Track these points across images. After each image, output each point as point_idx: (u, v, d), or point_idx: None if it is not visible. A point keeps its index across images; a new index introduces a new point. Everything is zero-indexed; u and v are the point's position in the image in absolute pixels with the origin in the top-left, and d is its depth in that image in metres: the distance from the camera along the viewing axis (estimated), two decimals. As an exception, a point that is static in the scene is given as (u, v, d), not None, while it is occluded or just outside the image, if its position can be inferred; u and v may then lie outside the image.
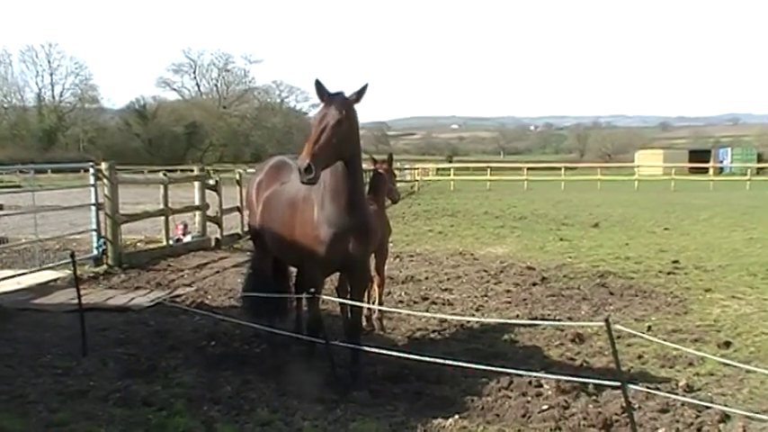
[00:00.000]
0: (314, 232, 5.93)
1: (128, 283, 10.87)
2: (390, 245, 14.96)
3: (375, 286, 8.24)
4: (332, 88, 5.81)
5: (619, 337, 6.91)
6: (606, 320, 4.41)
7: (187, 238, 15.19)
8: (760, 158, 69.68)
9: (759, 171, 56.11)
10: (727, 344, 7.38)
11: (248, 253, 13.57)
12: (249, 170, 19.59)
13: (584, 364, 6.68)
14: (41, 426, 5.08)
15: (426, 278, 11.42)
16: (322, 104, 5.75)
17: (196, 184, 15.79)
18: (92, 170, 12.46)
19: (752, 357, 6.92)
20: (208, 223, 15.61)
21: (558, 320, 8.52)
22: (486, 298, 9.90)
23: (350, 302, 6.27)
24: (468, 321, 8.33)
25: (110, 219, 12.14)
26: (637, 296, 9.94)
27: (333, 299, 6.83)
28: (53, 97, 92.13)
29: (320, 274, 6.27)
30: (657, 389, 5.82)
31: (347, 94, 5.75)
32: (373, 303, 8.11)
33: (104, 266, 11.87)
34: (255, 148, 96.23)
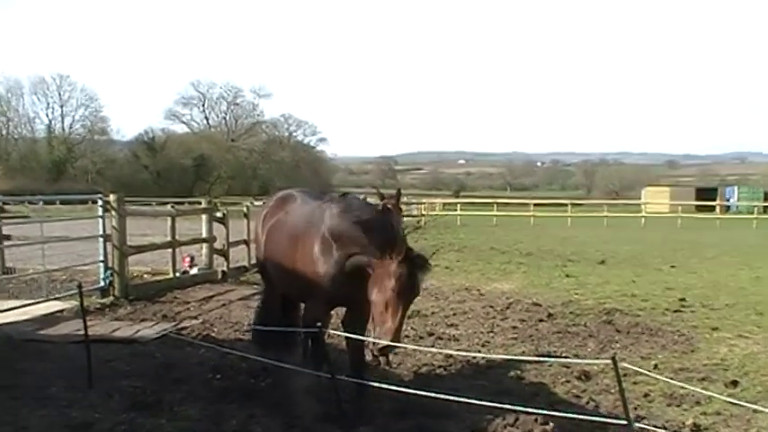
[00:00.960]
0: (314, 267, 5.91)
1: (134, 314, 10.88)
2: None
3: None
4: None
5: (625, 375, 6.88)
6: (613, 358, 4.41)
7: (194, 271, 15.21)
8: (767, 197, 69.62)
9: (765, 210, 55.96)
10: (735, 383, 7.35)
11: (255, 286, 13.68)
12: (256, 203, 19.66)
13: (591, 402, 6.66)
14: (46, 457, 5.07)
15: (432, 313, 11.40)
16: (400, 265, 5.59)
17: (203, 216, 15.86)
18: (100, 202, 12.52)
19: (759, 397, 6.88)
20: (215, 256, 15.64)
21: (565, 357, 8.49)
22: (492, 334, 9.88)
23: (354, 337, 6.22)
24: (474, 357, 8.31)
25: (117, 250, 12.19)
26: (643, 334, 9.90)
27: (338, 333, 6.84)
28: (63, 129, 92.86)
29: (323, 309, 6.24)
30: (664, 428, 5.79)
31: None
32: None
33: (111, 298, 11.89)
34: (263, 182, 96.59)
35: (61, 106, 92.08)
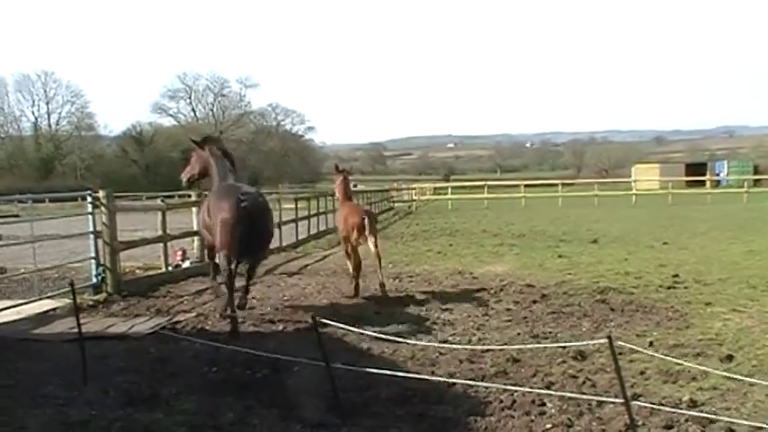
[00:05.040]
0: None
1: (127, 310, 10.84)
2: (389, 265, 15.13)
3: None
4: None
5: (621, 354, 6.89)
6: (608, 337, 4.41)
7: (186, 264, 15.18)
8: (756, 170, 69.99)
9: (756, 183, 56.25)
10: (730, 357, 7.37)
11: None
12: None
13: (587, 382, 6.67)
14: (43, 457, 5.05)
15: (426, 298, 11.39)
16: None
17: (194, 209, 15.79)
18: (89, 198, 12.46)
19: (755, 371, 6.91)
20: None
21: (560, 338, 8.51)
22: (486, 317, 9.88)
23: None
24: (470, 341, 8.32)
25: (108, 246, 12.14)
26: (637, 312, 9.92)
27: (335, 324, 6.84)
28: (50, 126, 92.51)
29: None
30: (661, 404, 5.81)
31: None
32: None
33: (104, 294, 11.85)
34: (252, 173, 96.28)
35: (47, 103, 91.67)
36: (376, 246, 11.38)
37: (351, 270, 11.81)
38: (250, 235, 9.05)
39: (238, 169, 10.45)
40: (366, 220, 11.30)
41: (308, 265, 15.78)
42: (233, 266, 9.32)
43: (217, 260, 9.87)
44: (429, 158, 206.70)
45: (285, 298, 11.66)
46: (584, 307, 10.33)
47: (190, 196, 17.11)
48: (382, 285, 11.37)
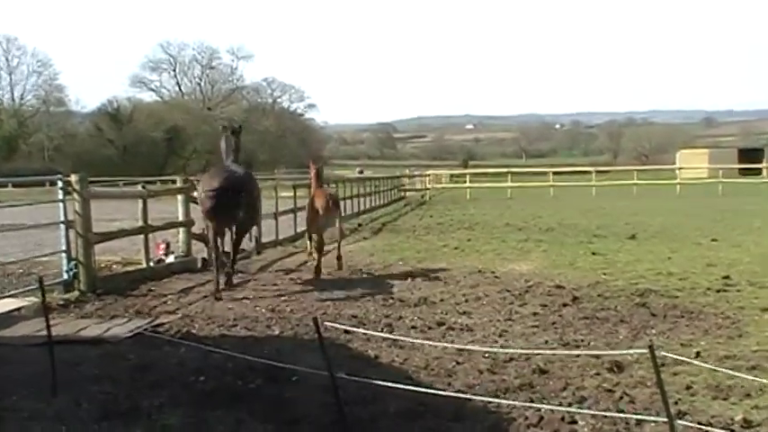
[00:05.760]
0: None
1: (103, 311, 10.88)
2: (400, 263, 15.19)
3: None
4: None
5: (663, 365, 6.87)
6: (649, 346, 4.39)
7: (170, 259, 15.20)
8: (820, 157, 69.52)
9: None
10: (789, 371, 7.34)
11: (240, 274, 13.76)
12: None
13: (625, 397, 6.65)
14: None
15: (442, 300, 11.40)
16: None
17: (179, 197, 15.83)
18: (60, 183, 12.46)
19: (817, 386, 6.87)
20: (193, 241, 15.63)
21: (594, 346, 8.49)
22: (510, 322, 9.88)
23: None
24: (491, 349, 8.31)
25: (81, 238, 12.16)
26: (682, 317, 9.90)
27: (339, 327, 6.84)
28: (13, 100, 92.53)
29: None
30: (710, 424, 5.79)
31: None
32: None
33: (76, 293, 11.88)
34: (246, 155, 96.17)
35: (9, 74, 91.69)
36: (340, 224, 14.76)
37: (314, 253, 14.21)
38: (225, 205, 12.14)
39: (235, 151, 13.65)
40: (330, 202, 14.19)
41: (307, 262, 15.80)
42: (219, 241, 12.59)
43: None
44: (445, 141, 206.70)
45: (282, 298, 11.68)
46: (622, 311, 10.30)
47: (174, 182, 17.14)
48: (339, 258, 14.55)
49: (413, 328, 9.62)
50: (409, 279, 13.41)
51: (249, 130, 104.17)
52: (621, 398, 6.64)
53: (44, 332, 7.20)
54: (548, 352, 8.00)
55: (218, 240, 12.61)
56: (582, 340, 8.85)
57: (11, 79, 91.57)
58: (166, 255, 15.42)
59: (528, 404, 5.62)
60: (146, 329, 9.46)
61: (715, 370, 6.29)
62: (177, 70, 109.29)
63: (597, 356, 7.72)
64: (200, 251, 15.66)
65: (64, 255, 12.32)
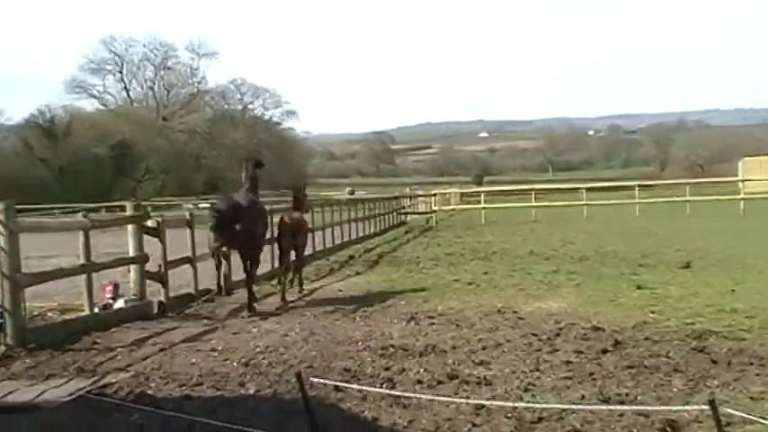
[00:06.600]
0: None
1: (36, 369, 10.82)
2: (402, 302, 15.18)
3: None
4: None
5: (728, 425, 6.86)
6: (710, 401, 4.38)
7: (119, 304, 15.16)
8: None
9: None
10: None
11: (204, 321, 13.73)
12: (202, 205, 19.58)
13: (681, 464, 6.63)
14: None
15: (453, 348, 11.37)
16: None
17: (130, 227, 15.78)
18: (-20, 213, 12.42)
19: None
20: (147, 282, 15.59)
21: (641, 402, 8.47)
22: (537, 373, 9.84)
23: None
24: (515, 407, 8.28)
25: (7, 281, 12.10)
26: (751, 364, 9.86)
27: (328, 382, 6.82)
28: None
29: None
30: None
31: None
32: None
33: (2, 347, 11.84)
34: (210, 174, 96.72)
35: None
36: (303, 248, 18.71)
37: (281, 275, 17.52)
38: (221, 226, 15.31)
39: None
40: (290, 222, 17.68)
41: (289, 303, 15.76)
42: (218, 252, 15.88)
43: None
44: (454, 153, 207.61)
45: (258, 349, 11.64)
46: (675, 358, 10.28)
47: (123, 209, 17.12)
48: (298, 284, 18.37)
49: (418, 382, 9.59)
50: (413, 322, 13.39)
51: (214, 144, 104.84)
52: (677, 465, 6.63)
53: (-36, 397, 7.16)
54: (585, 408, 7.98)
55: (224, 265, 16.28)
56: (627, 395, 8.82)
57: None
58: (115, 299, 15.38)
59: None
60: (89, 391, 9.41)
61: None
62: (124, 72, 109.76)
63: (646, 415, 7.69)
64: (155, 293, 15.63)
65: (-14, 301, 12.28)
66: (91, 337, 12.83)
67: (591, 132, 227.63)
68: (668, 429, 7.42)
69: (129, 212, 16.34)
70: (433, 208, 54.18)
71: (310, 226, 25.32)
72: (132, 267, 15.69)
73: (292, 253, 18.22)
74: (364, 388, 8.59)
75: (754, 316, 12.90)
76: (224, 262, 16.29)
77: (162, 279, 15.76)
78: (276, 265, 18.69)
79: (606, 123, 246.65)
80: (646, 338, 11.50)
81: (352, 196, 53.00)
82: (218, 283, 16.27)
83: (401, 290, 17.41)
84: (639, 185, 53.95)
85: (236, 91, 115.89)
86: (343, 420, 7.92)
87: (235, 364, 10.71)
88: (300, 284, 18.35)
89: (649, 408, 8.03)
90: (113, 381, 10.02)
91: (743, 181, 57.87)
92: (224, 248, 15.95)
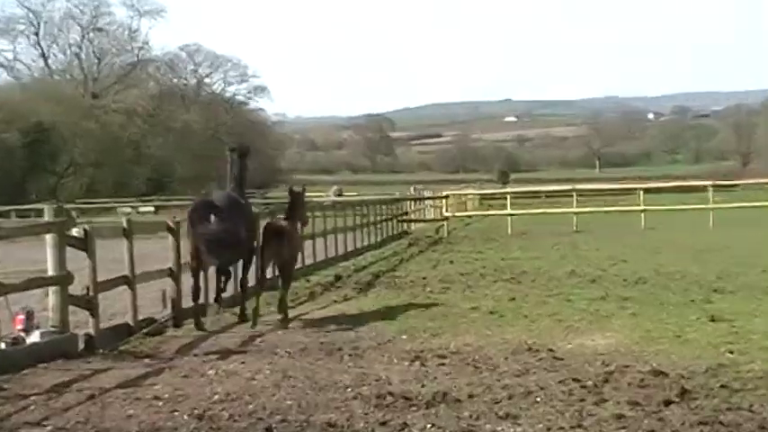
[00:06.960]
0: None
1: (-75, 423, 10.83)
2: (403, 337, 15.18)
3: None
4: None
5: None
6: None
7: (33, 337, 15.14)
8: None
9: None
10: None
11: (146, 360, 13.71)
12: (144, 208, 19.61)
13: None
14: None
15: (470, 396, 11.38)
16: None
17: (48, 237, 15.78)
18: None
19: None
20: (71, 308, 15.57)
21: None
22: (580, 430, 9.86)
23: None
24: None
25: None
26: None
27: None
28: None
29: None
30: None
31: None
32: None
33: None
34: (154, 168, 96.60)
35: None
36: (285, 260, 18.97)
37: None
38: (220, 253, 17.57)
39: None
40: (269, 230, 18.78)
41: (256, 338, 15.78)
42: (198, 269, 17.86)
43: None
44: (471, 143, 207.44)
45: (216, 396, 11.63)
46: (762, 413, 10.29)
47: (40, 213, 17.11)
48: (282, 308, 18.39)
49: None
50: (418, 363, 13.40)
51: (159, 130, 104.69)
52: None
53: None
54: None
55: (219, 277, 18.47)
56: (697, 460, 8.85)
57: None
58: (27, 331, 15.34)
59: None
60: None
61: None
62: (41, 34, 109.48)
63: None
64: (81, 323, 15.59)
65: None
66: (-4, 380, 12.83)
67: (650, 116, 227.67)
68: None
69: (47, 218, 16.31)
70: (445, 214, 54.17)
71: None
72: (51, 290, 15.66)
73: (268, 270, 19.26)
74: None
75: None
76: (201, 273, 18.00)
77: (90, 305, 15.71)
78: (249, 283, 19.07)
79: (670, 104, 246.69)
80: (722, 386, 11.51)
81: (339, 198, 53.00)
82: (217, 297, 18.40)
83: (403, 320, 17.41)
84: (714, 186, 53.89)
85: (189, 60, 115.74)
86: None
87: (185, 416, 10.69)
88: (285, 314, 18.34)
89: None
90: (26, 439, 10.04)
91: None
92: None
